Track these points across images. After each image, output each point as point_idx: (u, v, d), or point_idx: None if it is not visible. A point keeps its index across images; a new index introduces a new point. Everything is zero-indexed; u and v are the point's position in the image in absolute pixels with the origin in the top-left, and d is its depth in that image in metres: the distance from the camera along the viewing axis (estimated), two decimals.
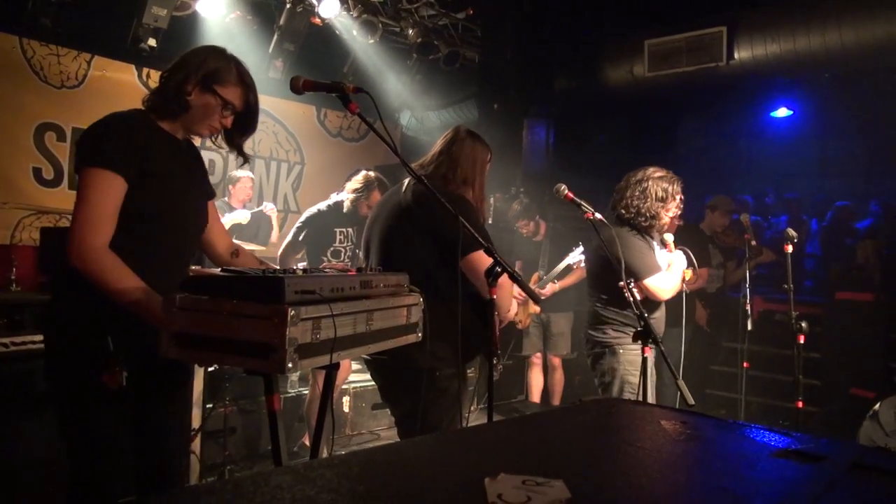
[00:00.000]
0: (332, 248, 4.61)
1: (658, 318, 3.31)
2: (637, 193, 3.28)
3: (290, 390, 4.84)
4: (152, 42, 5.73)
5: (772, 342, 5.21)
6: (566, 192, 2.91)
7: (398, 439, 2.70)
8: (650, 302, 3.23)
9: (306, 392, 4.61)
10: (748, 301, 4.36)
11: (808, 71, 7.18)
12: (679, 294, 3.32)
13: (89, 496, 1.94)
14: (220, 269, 1.79)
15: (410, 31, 7.24)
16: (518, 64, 7.80)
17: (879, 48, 6.27)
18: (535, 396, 5.58)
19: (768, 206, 8.92)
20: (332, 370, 2.01)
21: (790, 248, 3.56)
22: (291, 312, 1.59)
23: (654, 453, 0.90)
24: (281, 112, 7.25)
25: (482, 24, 7.75)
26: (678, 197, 3.32)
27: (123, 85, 6.06)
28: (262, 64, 6.63)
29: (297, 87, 2.07)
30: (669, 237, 3.40)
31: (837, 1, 6.42)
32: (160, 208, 2.00)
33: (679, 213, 3.38)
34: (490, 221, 4.82)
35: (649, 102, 8.51)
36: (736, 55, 7.01)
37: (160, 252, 2.01)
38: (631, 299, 2.66)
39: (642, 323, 2.56)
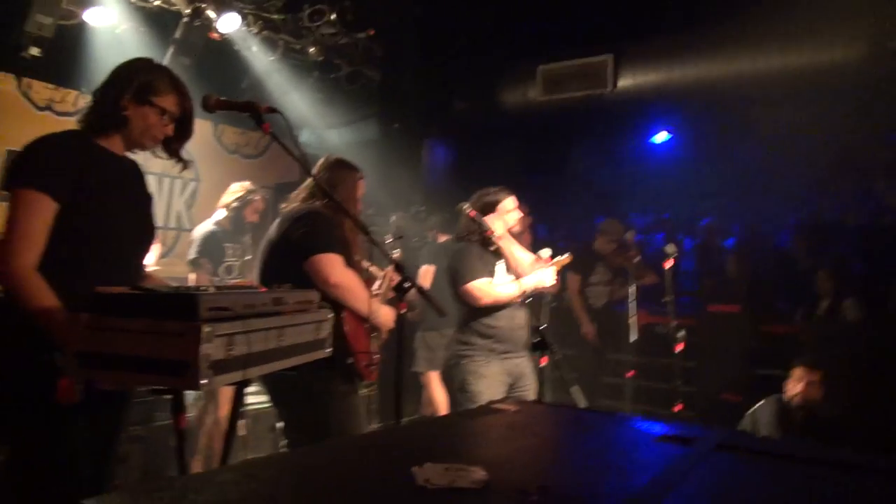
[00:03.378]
0: (224, 264, 4.63)
1: (503, 325, 3.47)
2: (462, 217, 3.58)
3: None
4: (35, 51, 5.42)
5: (653, 353, 5.59)
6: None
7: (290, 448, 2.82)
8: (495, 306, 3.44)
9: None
10: (632, 315, 4.68)
11: (683, 99, 7.82)
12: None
13: None
14: (128, 287, 1.78)
15: (311, 49, 7.24)
16: (418, 85, 8.00)
17: (742, 81, 6.95)
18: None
19: (649, 225, 9.56)
20: (242, 387, 2.02)
21: (669, 263, 3.88)
22: (206, 329, 1.61)
23: (557, 442, 1.03)
24: None
25: (383, 45, 7.88)
26: (504, 206, 3.57)
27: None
28: None
29: (209, 106, 2.09)
30: (546, 252, 3.65)
31: (709, 37, 7.05)
32: (99, 226, 1.97)
33: (514, 223, 3.59)
34: (390, 238, 4.93)
35: (543, 125, 8.94)
36: (620, 82, 7.53)
37: (103, 270, 1.98)
38: (532, 312, 2.83)
39: (538, 335, 2.74)
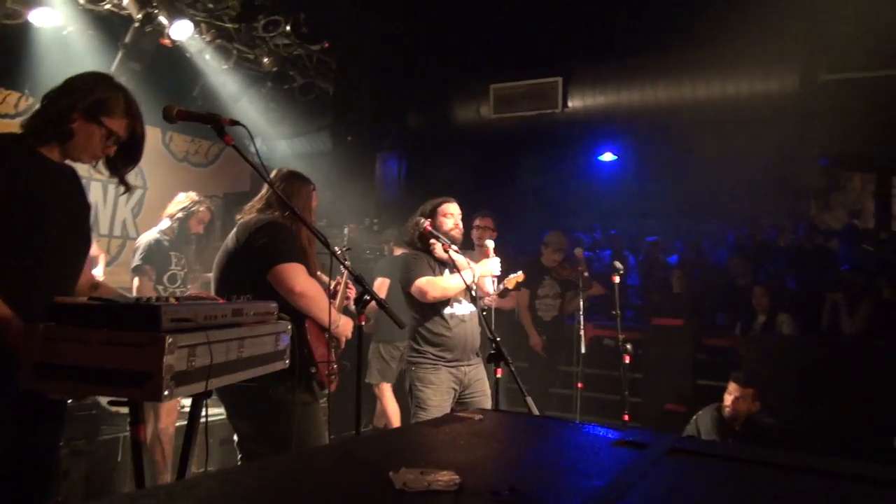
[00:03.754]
0: (168, 273, 4.58)
1: (454, 333, 3.57)
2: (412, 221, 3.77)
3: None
4: None
5: (601, 365, 5.75)
6: (426, 224, 3.12)
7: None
8: (443, 314, 3.57)
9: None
10: (581, 327, 4.81)
11: (629, 122, 8.11)
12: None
13: None
14: (87, 298, 1.76)
15: (265, 60, 7.21)
16: (372, 98, 8.03)
17: (683, 106, 7.26)
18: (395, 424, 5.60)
19: (597, 241, 9.82)
20: (203, 398, 2.01)
21: (617, 279, 4.02)
22: (169, 340, 1.61)
23: (520, 448, 1.09)
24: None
25: (338, 58, 7.90)
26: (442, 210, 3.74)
27: None
28: None
29: (171, 117, 2.09)
30: (490, 243, 3.85)
31: (655, 64, 7.35)
32: (39, 234, 1.92)
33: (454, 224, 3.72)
34: (345, 249, 4.96)
35: (494, 141, 9.12)
36: (570, 104, 7.76)
37: (41, 279, 1.93)
38: (484, 323, 2.89)
39: (494, 346, 2.81)
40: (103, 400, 4.27)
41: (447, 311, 3.58)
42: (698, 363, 5.96)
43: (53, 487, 2.15)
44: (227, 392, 2.76)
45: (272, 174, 2.92)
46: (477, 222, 5.03)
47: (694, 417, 4.25)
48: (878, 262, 5.94)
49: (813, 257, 6.80)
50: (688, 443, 1.26)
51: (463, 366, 3.59)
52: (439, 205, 3.77)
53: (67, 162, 2.11)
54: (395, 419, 5.55)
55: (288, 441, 2.57)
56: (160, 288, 4.56)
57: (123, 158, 2.15)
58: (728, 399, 4.17)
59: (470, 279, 3.40)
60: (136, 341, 1.61)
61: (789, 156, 8.61)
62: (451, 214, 3.72)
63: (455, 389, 3.57)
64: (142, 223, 7.03)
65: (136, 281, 4.60)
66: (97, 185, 6.71)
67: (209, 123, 2.11)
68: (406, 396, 5.79)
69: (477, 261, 3.77)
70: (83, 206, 2.16)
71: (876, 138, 6.10)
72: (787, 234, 7.86)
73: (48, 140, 2.00)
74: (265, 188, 2.74)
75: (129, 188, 2.23)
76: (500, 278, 4.04)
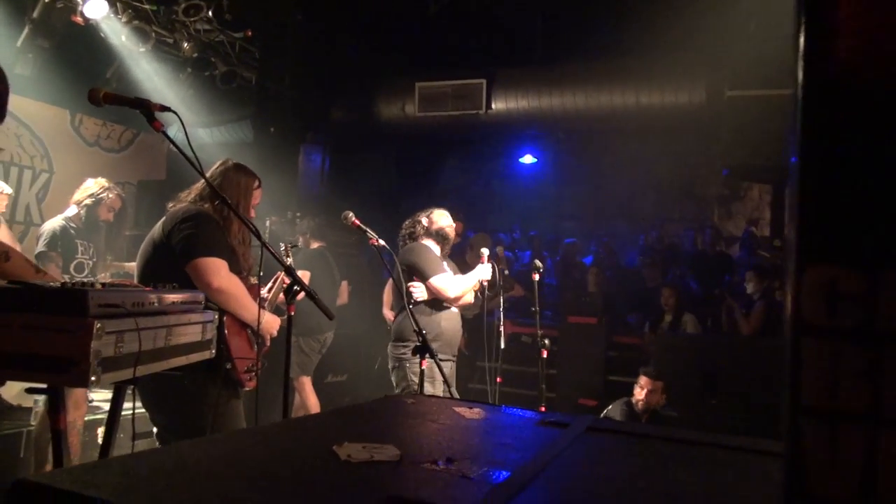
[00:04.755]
0: (75, 262, 4.41)
1: (445, 325, 3.77)
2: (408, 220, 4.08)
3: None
4: None
5: (519, 361, 5.93)
6: (353, 219, 3.15)
7: None
8: (438, 304, 3.74)
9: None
10: (501, 324, 4.94)
11: (550, 126, 8.39)
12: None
13: None
14: (6, 282, 1.70)
15: (185, 45, 6.99)
16: (296, 90, 7.94)
17: (600, 114, 7.61)
18: None
19: (516, 241, 10.08)
20: (124, 388, 1.98)
21: (537, 277, 4.18)
22: (97, 325, 1.59)
23: (453, 427, 1.16)
24: (27, 113, 6.49)
25: (260, 48, 7.76)
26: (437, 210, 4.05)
27: None
28: (8, 59, 5.92)
29: (97, 100, 2.03)
30: (485, 251, 4.08)
31: (574, 71, 7.64)
32: None
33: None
34: (290, 245, 4.95)
35: (418, 139, 9.20)
36: (493, 105, 7.95)
37: None
38: (411, 317, 2.97)
39: (420, 338, 2.88)
40: (5, 394, 4.06)
41: (444, 306, 3.74)
42: (609, 360, 6.26)
43: None
44: (144, 383, 2.70)
45: (216, 164, 2.86)
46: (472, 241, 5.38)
47: (604, 411, 4.48)
48: (772, 267, 6.41)
49: (715, 262, 7.26)
50: (605, 422, 1.38)
51: (448, 361, 3.75)
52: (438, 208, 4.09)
53: None
54: (314, 412, 5.53)
55: (203, 434, 2.54)
56: (66, 277, 4.38)
57: None
58: (639, 392, 4.42)
59: (475, 281, 3.73)
60: (63, 326, 1.58)
61: (695, 165, 9.14)
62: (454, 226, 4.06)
63: (446, 384, 3.66)
64: (47, 209, 6.66)
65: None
66: None
67: (138, 108, 2.07)
68: (324, 389, 5.81)
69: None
70: None
71: (774, 152, 6.59)
72: (695, 238, 8.35)
73: None
74: (208, 174, 2.68)
75: None
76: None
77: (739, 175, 8.86)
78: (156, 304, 1.95)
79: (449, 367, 3.77)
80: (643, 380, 4.46)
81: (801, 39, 0.46)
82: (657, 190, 10.16)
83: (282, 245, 3.31)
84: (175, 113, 2.13)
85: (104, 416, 4.66)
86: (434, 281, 3.70)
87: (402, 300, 3.70)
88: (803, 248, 0.46)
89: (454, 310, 3.89)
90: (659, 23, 7.03)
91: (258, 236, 2.29)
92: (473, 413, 1.28)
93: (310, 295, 2.35)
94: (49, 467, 4.02)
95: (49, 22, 5.99)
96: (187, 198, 2.74)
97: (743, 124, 6.75)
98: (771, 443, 1.20)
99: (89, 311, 1.60)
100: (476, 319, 6.19)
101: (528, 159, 10.12)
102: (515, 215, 11.11)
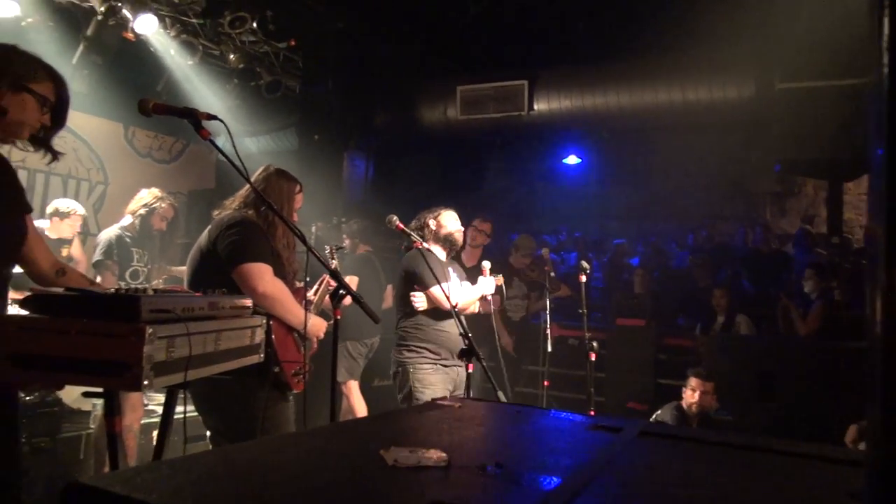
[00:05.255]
0: (130, 269, 4.54)
1: (451, 332, 3.64)
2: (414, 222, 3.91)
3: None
4: None
5: (566, 364, 5.85)
6: (398, 222, 3.16)
7: None
8: (442, 312, 3.63)
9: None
10: (548, 327, 4.88)
11: (594, 125, 8.28)
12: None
13: None
14: (63, 289, 1.75)
15: (231, 56, 7.15)
16: (339, 97, 8.03)
17: (645, 112, 7.46)
18: None
19: (562, 243, 9.98)
20: (181, 389, 2.02)
21: (584, 278, 4.11)
22: (149, 330, 1.62)
23: (502, 431, 1.14)
24: (83, 128, 6.74)
25: (304, 56, 7.88)
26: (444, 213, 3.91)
27: None
28: (65, 76, 6.14)
29: (147, 110, 2.07)
30: (487, 264, 3.90)
31: (618, 69, 7.52)
32: None
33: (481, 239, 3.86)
34: (335, 248, 4.98)
35: (461, 143, 9.20)
36: (535, 106, 7.88)
37: None
38: (459, 323, 2.94)
39: (466, 342, 2.86)
40: (66, 397, 4.20)
41: (447, 314, 3.64)
42: (659, 363, 6.12)
43: (19, 482, 2.09)
44: (195, 387, 2.75)
45: (258, 171, 2.90)
46: (476, 223, 5.19)
47: (654, 416, 4.37)
48: (831, 265, 6.18)
49: (769, 260, 7.03)
50: (657, 427, 1.33)
51: (454, 366, 3.65)
52: (445, 209, 3.94)
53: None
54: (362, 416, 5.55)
55: (253, 437, 2.57)
56: (122, 283, 4.51)
57: (51, 125, 2.06)
58: (690, 394, 4.30)
59: (477, 295, 3.66)
60: (117, 332, 1.61)
61: (745, 161, 8.89)
62: (482, 232, 4.01)
63: (449, 390, 3.62)
64: (103, 219, 6.89)
65: (98, 278, 4.54)
66: (57, 179, 6.58)
67: (185, 118, 2.11)
68: (370, 392, 5.84)
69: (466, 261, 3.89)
70: (11, 192, 2.06)
71: (828, 146, 6.35)
72: (745, 237, 8.11)
73: None
74: (246, 185, 2.72)
75: (56, 156, 2.14)
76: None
77: (792, 170, 8.57)
78: (205, 310, 1.97)
79: (457, 373, 3.69)
80: (693, 381, 4.34)
81: (886, 24, 0.42)
82: (706, 187, 9.91)
83: (326, 248, 3.34)
84: (221, 121, 2.16)
85: (158, 419, 4.80)
86: (433, 291, 3.59)
87: (404, 306, 3.73)
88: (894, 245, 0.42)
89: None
90: (704, 16, 6.85)
91: (303, 240, 2.30)
92: (522, 417, 1.26)
93: (355, 298, 2.35)
94: (108, 469, 4.15)
95: (102, 39, 6.21)
96: (232, 205, 2.78)
97: (795, 118, 6.52)
98: (835, 449, 1.13)
99: (141, 316, 1.63)
100: (522, 322, 6.16)
101: (571, 160, 10.01)
102: (560, 217, 11.01)
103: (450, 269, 3.78)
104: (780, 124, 6.80)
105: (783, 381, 5.03)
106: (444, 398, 1.44)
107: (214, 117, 2.15)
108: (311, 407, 3.52)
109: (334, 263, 3.12)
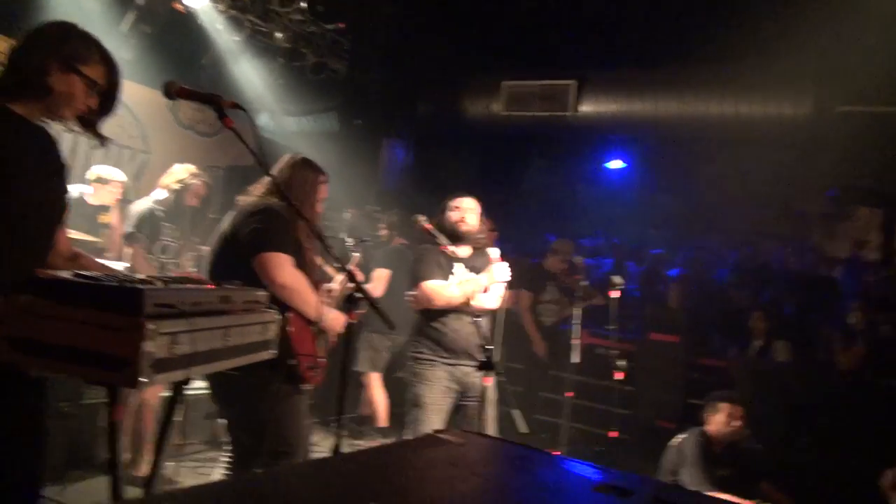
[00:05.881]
0: (161, 244, 4.54)
1: (458, 329, 3.47)
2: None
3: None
4: None
5: (593, 373, 5.67)
6: (424, 223, 3.05)
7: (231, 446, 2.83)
8: (449, 309, 3.48)
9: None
10: (576, 337, 4.72)
11: (640, 131, 8.04)
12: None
13: None
14: (72, 274, 1.69)
15: (278, 35, 7.10)
16: (383, 83, 7.95)
17: (695, 122, 7.21)
18: (381, 419, 5.46)
19: (599, 248, 9.76)
20: (180, 385, 1.95)
21: (615, 294, 3.95)
22: (150, 326, 1.54)
23: (498, 484, 1.02)
24: (128, 95, 6.62)
25: (352, 40, 7.80)
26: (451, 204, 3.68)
27: None
28: (114, 42, 6.16)
29: (171, 93, 2.01)
30: (496, 251, 3.66)
31: (669, 76, 7.28)
32: (9, 201, 1.81)
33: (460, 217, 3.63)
34: (345, 236, 4.86)
35: (502, 138, 9.04)
36: (582, 108, 7.68)
37: (15, 244, 1.82)
38: (478, 328, 2.83)
39: (486, 354, 2.74)
40: None
41: (453, 309, 3.49)
42: (691, 381, 5.90)
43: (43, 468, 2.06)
44: (213, 376, 2.72)
45: (283, 159, 2.83)
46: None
47: (675, 441, 4.15)
48: (880, 298, 5.88)
49: (816, 285, 6.73)
50: (673, 494, 1.20)
51: (462, 366, 3.45)
52: (451, 198, 3.71)
53: (45, 121, 1.98)
54: (382, 409, 5.50)
55: (262, 431, 2.51)
56: (151, 258, 4.51)
57: (100, 109, 2.02)
58: (720, 420, 4.07)
59: (478, 288, 3.42)
60: (117, 324, 1.54)
61: (797, 181, 8.55)
62: (458, 208, 3.62)
63: (454, 389, 3.45)
64: (142, 187, 6.94)
65: (127, 249, 4.55)
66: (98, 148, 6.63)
67: (209, 104, 2.03)
68: (394, 386, 5.78)
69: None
70: (59, 169, 2.04)
71: (886, 174, 6.04)
72: (791, 259, 7.79)
73: (24, 98, 1.88)
74: (275, 169, 2.65)
75: (104, 141, 2.10)
76: None
77: (846, 197, 8.21)
78: (215, 304, 1.90)
79: (465, 374, 3.46)
80: (727, 408, 4.08)
81: None
82: (752, 204, 9.57)
83: (350, 240, 3.26)
84: (244, 110, 2.08)
85: (184, 395, 4.80)
86: (423, 287, 3.47)
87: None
88: None
89: (466, 313, 3.51)
90: (764, 29, 6.57)
91: (321, 240, 2.22)
92: (525, 464, 1.14)
93: (371, 303, 2.25)
94: (126, 439, 4.16)
95: (152, 8, 6.22)
96: (256, 192, 2.71)
97: (854, 143, 6.21)
98: None
99: (144, 310, 1.55)
100: (553, 328, 6.02)
101: (616, 164, 9.76)
102: (599, 221, 10.76)
103: (460, 266, 3.54)
104: (837, 147, 6.49)
105: (819, 415, 4.80)
106: (444, 431, 1.33)
107: (238, 106, 2.07)
108: (330, 399, 3.46)
109: (357, 255, 3.03)
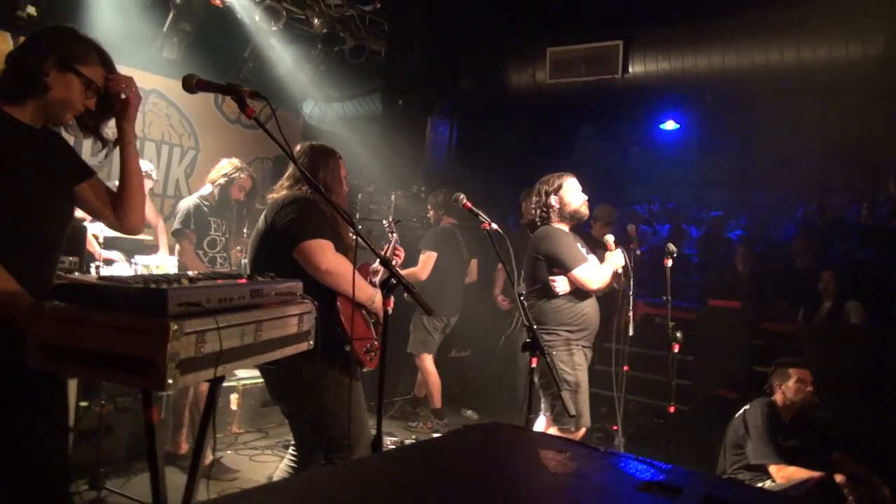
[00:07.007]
0: (208, 238, 4.62)
1: (589, 313, 3.61)
2: (534, 199, 3.76)
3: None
4: (32, 10, 5.28)
5: (650, 344, 5.49)
6: (465, 201, 2.97)
7: (288, 437, 2.81)
8: (580, 292, 3.55)
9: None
10: (631, 309, 4.56)
11: (694, 88, 7.67)
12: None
13: None
14: (97, 277, 1.70)
15: (316, 21, 7.08)
16: (424, 61, 7.83)
17: (754, 73, 6.80)
18: (435, 400, 5.52)
19: (654, 214, 9.45)
20: (217, 384, 1.95)
21: (670, 262, 3.78)
22: (174, 327, 1.52)
23: (531, 484, 0.95)
24: (175, 94, 6.90)
25: (389, 19, 7.71)
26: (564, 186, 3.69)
27: None
28: (157, 43, 6.29)
29: (191, 87, 1.99)
30: (610, 237, 3.79)
31: (722, 27, 6.89)
32: (8, 205, 1.82)
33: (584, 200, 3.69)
34: (393, 221, 4.82)
35: (549, 107, 8.80)
36: (630, 69, 7.37)
37: (15, 252, 1.83)
38: (521, 310, 2.75)
39: (530, 334, 2.66)
40: None
41: (587, 295, 3.60)
42: (754, 348, 5.64)
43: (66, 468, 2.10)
44: (265, 374, 2.74)
45: (296, 149, 2.81)
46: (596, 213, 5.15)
47: (740, 412, 3.97)
48: None
49: (892, 240, 6.31)
50: (727, 489, 1.10)
51: (588, 349, 3.64)
52: (557, 178, 3.73)
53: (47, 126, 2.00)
54: (436, 390, 5.50)
55: (319, 422, 2.53)
56: (200, 252, 4.60)
57: (101, 111, 2.02)
58: (791, 385, 3.86)
59: (611, 271, 3.60)
60: (141, 327, 1.53)
61: (868, 127, 8.02)
62: (578, 190, 3.71)
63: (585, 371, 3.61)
64: (194, 183, 7.09)
65: (177, 245, 4.66)
66: (150, 145, 6.79)
67: (229, 94, 2.01)
68: (448, 363, 5.74)
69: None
70: (60, 169, 2.02)
71: None
72: (864, 211, 7.33)
73: (21, 99, 1.89)
74: (291, 164, 2.62)
75: (105, 145, 2.09)
76: None
77: None
78: (245, 299, 1.87)
79: (588, 356, 3.66)
80: (793, 371, 3.88)
81: None
82: (819, 155, 9.04)
83: (385, 222, 3.22)
84: (264, 98, 2.04)
85: (236, 382, 4.92)
86: (577, 273, 3.50)
87: (537, 286, 3.58)
88: None
89: (593, 297, 3.69)
90: None
91: (350, 223, 2.18)
92: (563, 463, 1.06)
93: (408, 289, 2.20)
94: (185, 431, 4.29)
95: (190, 6, 6.28)
96: (283, 186, 2.70)
97: None
98: None
99: (168, 311, 1.54)
100: (606, 297, 5.84)
101: (669, 125, 9.40)
102: (654, 185, 10.43)
103: (578, 245, 3.65)
104: None
105: (894, 379, 4.50)
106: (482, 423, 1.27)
107: (258, 95, 2.04)
108: (388, 377, 3.43)
109: (394, 237, 2.99)
